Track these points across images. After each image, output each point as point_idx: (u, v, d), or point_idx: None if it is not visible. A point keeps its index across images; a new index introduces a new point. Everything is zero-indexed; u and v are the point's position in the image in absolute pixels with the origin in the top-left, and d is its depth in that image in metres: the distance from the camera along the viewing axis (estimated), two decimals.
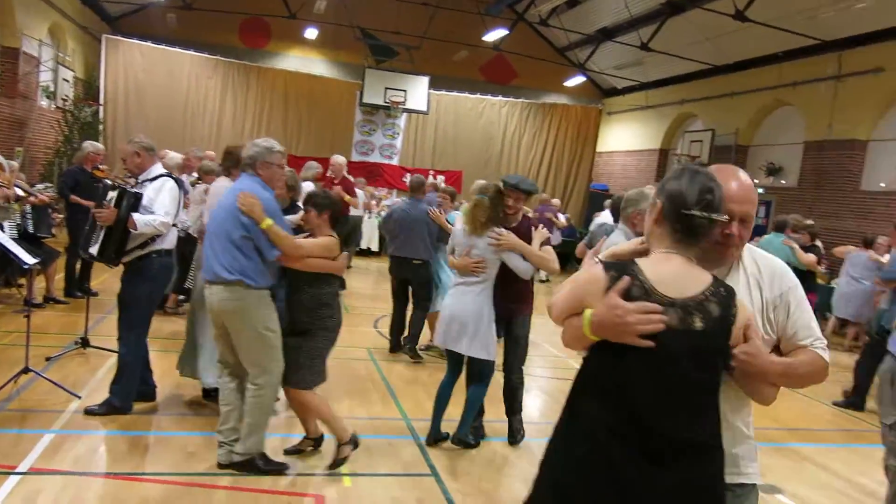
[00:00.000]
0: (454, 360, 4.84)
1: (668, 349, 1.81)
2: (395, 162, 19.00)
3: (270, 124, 18.79)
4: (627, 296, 1.85)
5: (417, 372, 6.72)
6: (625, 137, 21.37)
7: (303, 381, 4.14)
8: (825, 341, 2.11)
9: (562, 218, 15.93)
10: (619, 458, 1.81)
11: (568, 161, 21.91)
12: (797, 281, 2.12)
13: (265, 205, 3.91)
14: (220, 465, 4.10)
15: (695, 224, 1.90)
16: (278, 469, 4.13)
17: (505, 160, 21.18)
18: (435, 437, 4.87)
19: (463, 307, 4.63)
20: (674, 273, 1.90)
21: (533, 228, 4.75)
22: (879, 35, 12.75)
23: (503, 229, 4.64)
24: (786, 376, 2.04)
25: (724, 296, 1.90)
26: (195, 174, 7.80)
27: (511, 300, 4.77)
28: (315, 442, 4.49)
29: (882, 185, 13.23)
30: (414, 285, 7.31)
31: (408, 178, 19.51)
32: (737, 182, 2.07)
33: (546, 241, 4.74)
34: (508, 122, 21.26)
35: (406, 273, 7.26)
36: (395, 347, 7.38)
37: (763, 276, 2.10)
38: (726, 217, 1.96)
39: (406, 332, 7.35)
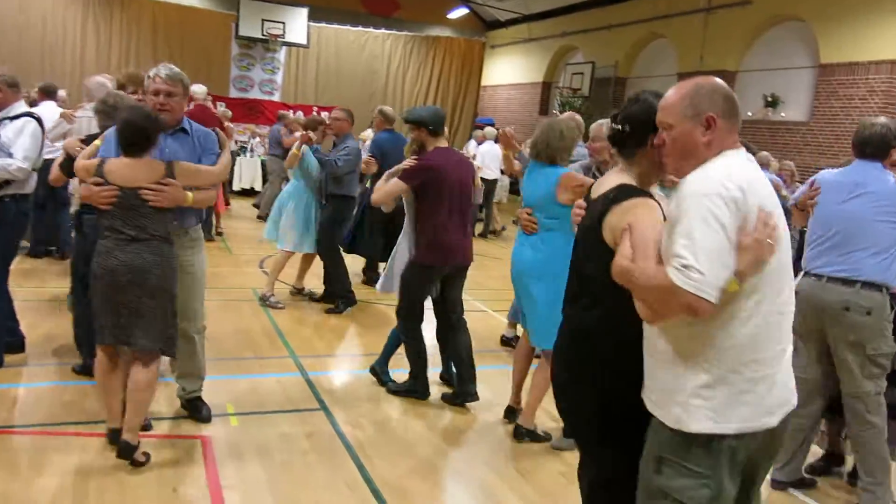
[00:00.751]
0: None
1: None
2: (276, 98, 18.31)
3: (139, 59, 17.62)
4: None
5: (303, 312, 6.64)
6: (509, 71, 21.47)
7: None
8: (686, 261, 1.82)
9: None
10: None
11: (453, 95, 21.86)
12: (694, 200, 1.89)
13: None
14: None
15: (612, 135, 2.36)
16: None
17: (390, 94, 20.88)
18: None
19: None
20: (601, 183, 2.35)
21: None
22: None
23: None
24: (624, 280, 2.00)
25: (610, 199, 2.13)
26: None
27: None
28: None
29: (749, 114, 13.94)
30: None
31: (291, 115, 18.93)
32: (666, 95, 2.15)
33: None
34: (392, 55, 20.88)
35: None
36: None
37: (678, 191, 2.05)
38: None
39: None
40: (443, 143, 4.51)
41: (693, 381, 1.97)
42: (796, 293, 3.43)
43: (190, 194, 3.46)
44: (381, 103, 20.20)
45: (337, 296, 6.72)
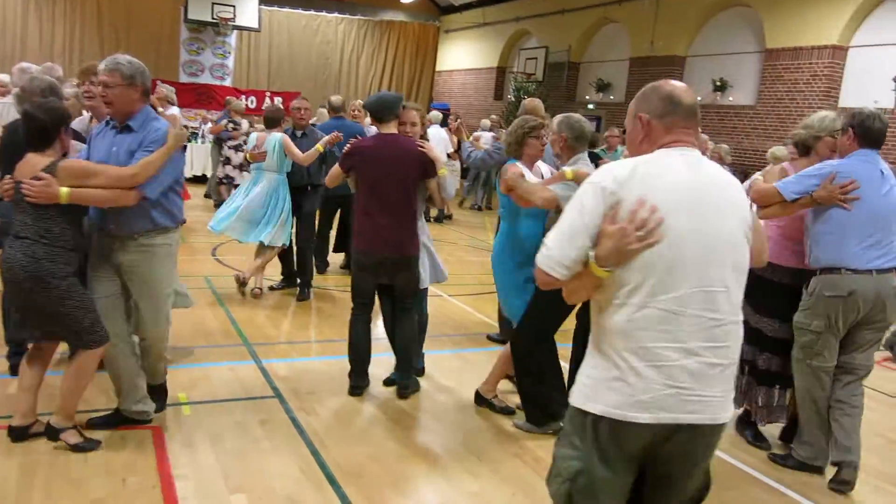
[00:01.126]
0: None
1: None
2: (227, 83, 17.99)
3: (84, 44, 17.18)
4: None
5: (258, 300, 6.58)
6: (463, 56, 21.44)
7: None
8: (548, 251, 1.98)
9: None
10: None
11: (408, 80, 21.77)
12: (574, 191, 2.13)
13: None
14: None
15: None
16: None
17: (344, 80, 20.71)
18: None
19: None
20: None
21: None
22: None
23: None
24: None
25: None
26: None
27: None
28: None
29: (698, 98, 14.15)
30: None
31: (244, 101, 18.64)
32: None
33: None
34: (346, 40, 20.68)
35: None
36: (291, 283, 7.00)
37: None
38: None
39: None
40: (390, 129, 4.42)
41: (587, 358, 2.10)
42: (850, 293, 3.68)
43: (64, 190, 3.19)
44: (334, 89, 20.06)
45: (304, 284, 6.75)
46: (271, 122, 6.64)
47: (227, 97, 13.60)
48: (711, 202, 1.98)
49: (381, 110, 4.39)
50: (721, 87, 13.58)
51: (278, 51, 19.74)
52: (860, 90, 11.35)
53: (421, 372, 4.92)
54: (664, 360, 1.92)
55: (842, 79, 11.78)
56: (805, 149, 4.11)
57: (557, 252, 1.98)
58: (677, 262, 1.92)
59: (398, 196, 4.31)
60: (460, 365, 5.21)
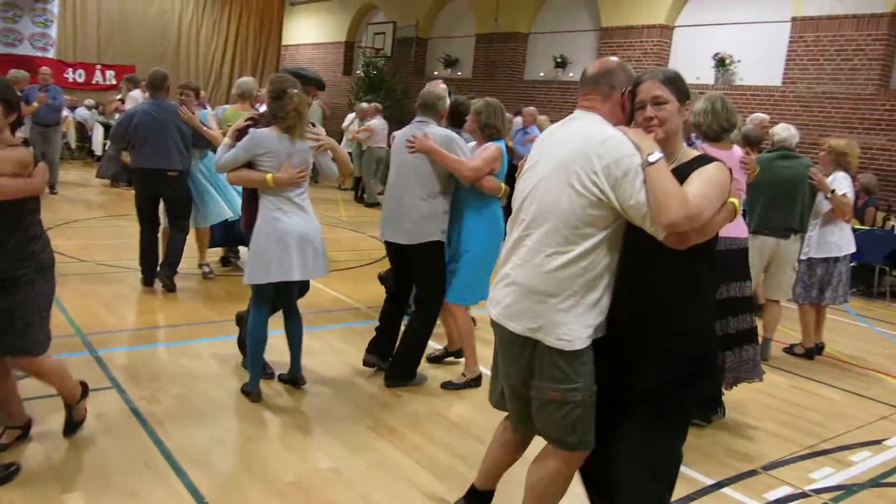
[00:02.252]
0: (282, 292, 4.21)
1: None
2: (51, 55, 16.62)
3: None
4: None
5: (94, 285, 6.17)
6: (310, 30, 20.96)
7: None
8: None
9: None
10: None
11: (253, 54, 21.00)
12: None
13: None
14: None
15: None
16: None
17: (184, 53, 19.66)
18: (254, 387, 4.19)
19: (307, 224, 4.02)
20: None
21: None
22: None
23: (320, 128, 4.17)
24: None
25: None
26: None
27: None
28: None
29: (541, 74, 14.66)
30: (169, 202, 6.28)
31: (71, 75, 17.29)
32: None
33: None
34: (183, 11, 19.60)
35: (159, 188, 6.12)
36: (150, 280, 6.24)
37: None
38: None
39: (162, 259, 6.28)
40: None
41: None
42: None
43: None
44: (173, 63, 19.03)
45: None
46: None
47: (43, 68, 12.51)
48: (550, 150, 2.44)
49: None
50: (562, 64, 14.10)
51: (108, 20, 18.36)
52: (686, 67, 12.15)
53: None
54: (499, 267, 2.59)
55: (669, 56, 12.57)
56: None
57: None
58: (516, 193, 2.55)
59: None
60: (312, 344, 5.13)
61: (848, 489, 3.68)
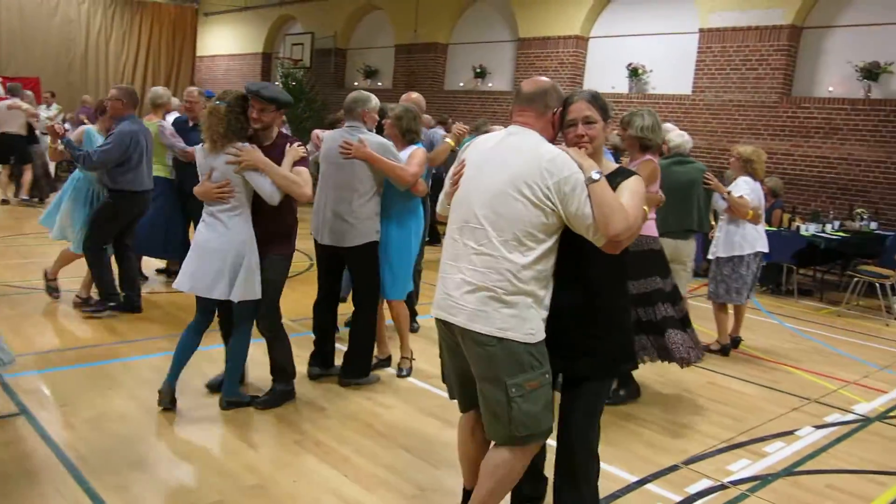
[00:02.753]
0: (204, 306, 4.12)
1: None
2: None
3: None
4: None
5: (16, 301, 5.86)
6: (226, 41, 20.58)
7: None
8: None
9: None
10: None
11: (166, 66, 20.48)
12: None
13: None
14: None
15: None
16: None
17: (92, 64, 18.99)
18: (172, 397, 4.09)
19: (217, 241, 3.88)
20: None
21: (288, 146, 4.00)
22: None
23: (246, 144, 3.88)
24: None
25: None
26: None
27: (260, 235, 4.03)
28: None
29: (461, 84, 14.80)
30: (135, 221, 6.06)
31: None
32: None
33: (301, 161, 4.00)
34: (91, 21, 18.94)
35: (143, 208, 6.03)
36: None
37: None
38: None
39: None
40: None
41: None
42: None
43: None
44: (81, 74, 18.36)
45: (103, 297, 5.88)
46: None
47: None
48: (494, 162, 2.59)
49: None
50: (481, 74, 14.28)
51: (9, 31, 17.55)
52: (601, 77, 12.51)
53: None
54: (443, 273, 2.69)
55: (585, 66, 12.90)
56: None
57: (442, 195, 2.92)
58: (460, 201, 2.67)
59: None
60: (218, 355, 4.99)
61: (764, 479, 3.83)
